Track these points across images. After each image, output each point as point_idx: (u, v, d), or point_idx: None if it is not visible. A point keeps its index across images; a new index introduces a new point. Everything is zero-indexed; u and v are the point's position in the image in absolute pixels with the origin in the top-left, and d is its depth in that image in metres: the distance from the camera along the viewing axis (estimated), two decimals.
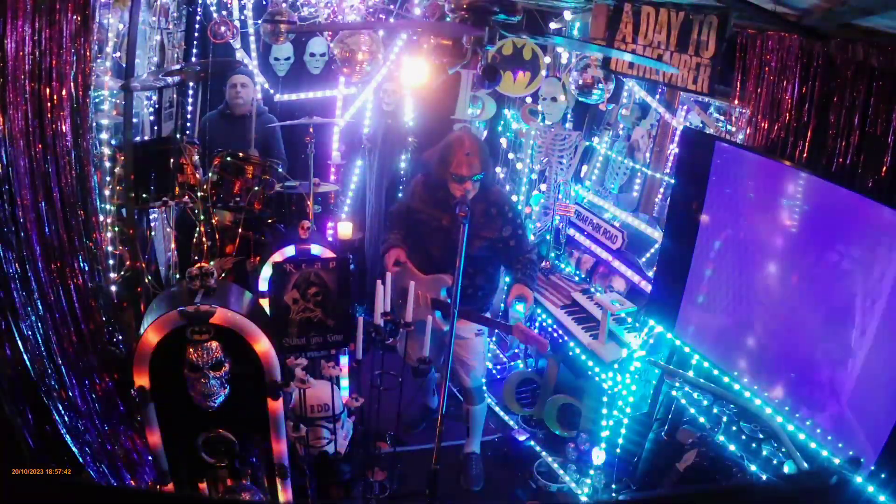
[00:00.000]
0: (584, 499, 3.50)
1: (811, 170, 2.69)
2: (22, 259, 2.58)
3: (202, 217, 4.01)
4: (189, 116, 5.08)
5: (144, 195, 3.89)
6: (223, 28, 4.43)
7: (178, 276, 4.07)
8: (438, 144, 3.43)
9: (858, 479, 2.28)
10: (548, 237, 4.50)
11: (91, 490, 1.37)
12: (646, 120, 4.37)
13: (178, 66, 4.47)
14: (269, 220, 4.41)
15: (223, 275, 3.87)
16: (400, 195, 5.00)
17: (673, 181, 3.61)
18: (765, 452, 2.76)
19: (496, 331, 4.22)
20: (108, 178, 3.50)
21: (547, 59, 4.68)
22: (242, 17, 4.84)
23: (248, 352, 2.67)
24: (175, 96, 5.01)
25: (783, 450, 2.66)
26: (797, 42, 2.90)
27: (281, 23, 4.57)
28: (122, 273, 3.52)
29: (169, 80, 4.21)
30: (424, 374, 3.89)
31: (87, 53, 2.83)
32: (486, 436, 3.88)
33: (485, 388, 3.77)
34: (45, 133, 2.66)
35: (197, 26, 4.87)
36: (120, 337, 3.16)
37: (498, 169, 4.90)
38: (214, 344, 2.60)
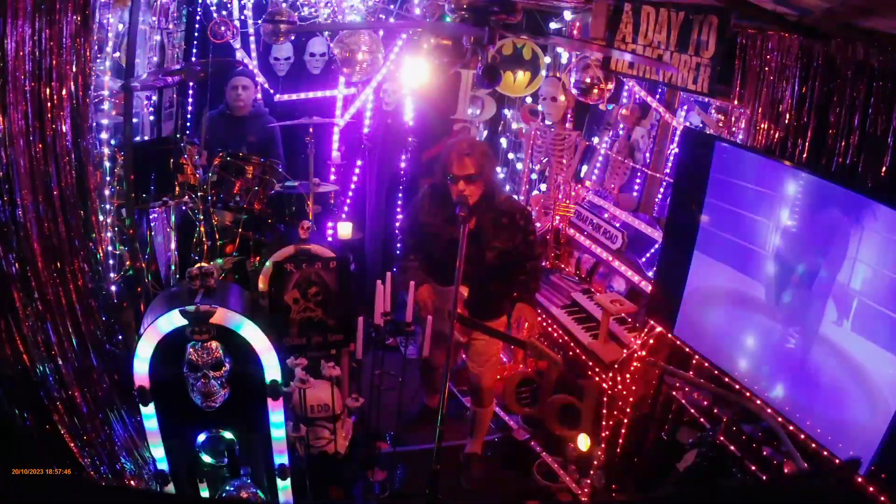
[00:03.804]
0: (584, 499, 3.50)
1: (811, 170, 2.69)
2: (22, 259, 2.58)
3: (202, 217, 4.01)
4: (189, 116, 5.08)
5: (144, 195, 3.89)
6: (223, 28, 4.43)
7: (178, 276, 4.07)
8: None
9: (858, 480, 2.28)
10: (548, 237, 4.49)
11: (91, 490, 1.37)
12: (646, 120, 4.37)
13: (178, 66, 4.47)
14: (269, 220, 4.40)
15: (223, 275, 3.87)
16: (400, 194, 5.01)
17: (673, 181, 3.61)
18: (765, 452, 2.76)
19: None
20: (108, 178, 3.50)
21: (547, 59, 4.68)
22: (242, 17, 4.84)
23: (248, 352, 2.67)
24: (175, 96, 5.01)
25: (783, 450, 2.66)
26: (797, 42, 2.90)
27: (281, 23, 4.57)
28: (122, 273, 3.52)
29: (169, 80, 4.21)
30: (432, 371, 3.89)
31: (87, 53, 2.82)
32: (486, 436, 3.88)
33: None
34: (45, 133, 2.65)
35: (197, 26, 4.87)
36: (120, 337, 3.16)
37: (498, 169, 4.89)
38: (214, 344, 2.60)
